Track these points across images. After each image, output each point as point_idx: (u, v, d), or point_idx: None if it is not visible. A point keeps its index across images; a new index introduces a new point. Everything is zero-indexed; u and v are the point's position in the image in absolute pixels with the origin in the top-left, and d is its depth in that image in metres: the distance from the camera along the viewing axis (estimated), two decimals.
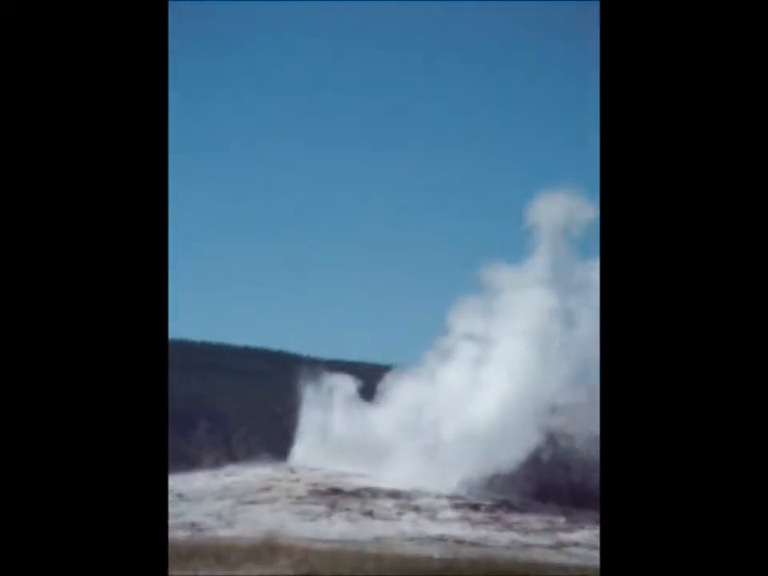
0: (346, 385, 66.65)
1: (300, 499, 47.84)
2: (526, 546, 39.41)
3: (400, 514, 46.83)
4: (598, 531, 45.00)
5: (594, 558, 36.14)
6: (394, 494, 50.92)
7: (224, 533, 31.49)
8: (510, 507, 49.73)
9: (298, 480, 52.98)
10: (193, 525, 37.17)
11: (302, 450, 61.34)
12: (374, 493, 50.57)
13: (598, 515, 50.38)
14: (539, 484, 55.45)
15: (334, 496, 48.86)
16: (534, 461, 55.23)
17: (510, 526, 45.34)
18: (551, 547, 39.86)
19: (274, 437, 63.32)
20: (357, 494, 49.88)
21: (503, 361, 59.25)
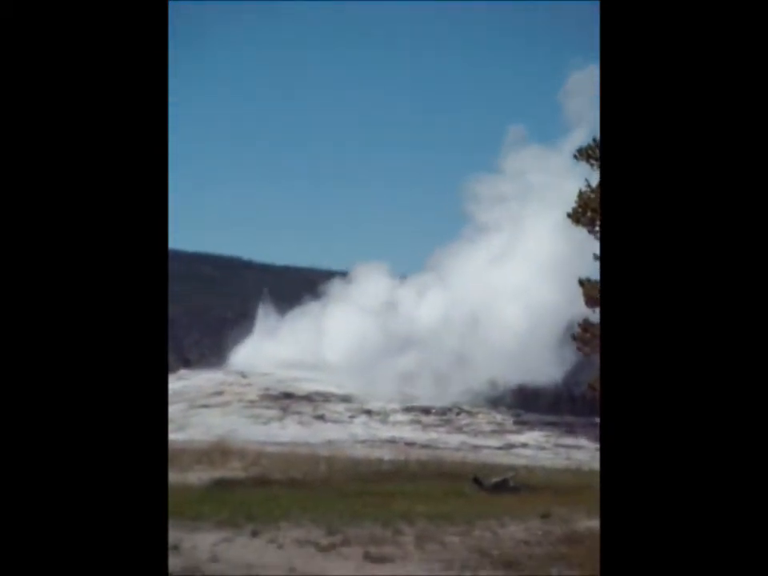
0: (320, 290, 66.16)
1: (252, 403, 48.16)
2: (476, 447, 40.09)
3: (352, 417, 47.38)
4: (545, 432, 45.96)
5: (541, 458, 36.89)
6: (346, 398, 51.43)
7: (176, 436, 31.65)
8: (460, 410, 50.49)
9: (249, 384, 53.23)
10: None
11: (251, 355, 61.29)
12: (326, 397, 51.02)
13: (548, 418, 51.33)
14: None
15: (286, 400, 49.27)
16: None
17: (459, 429, 46.12)
18: (500, 448, 40.60)
19: (225, 342, 63.31)
20: (309, 398, 50.31)
21: (526, 260, 55.07)
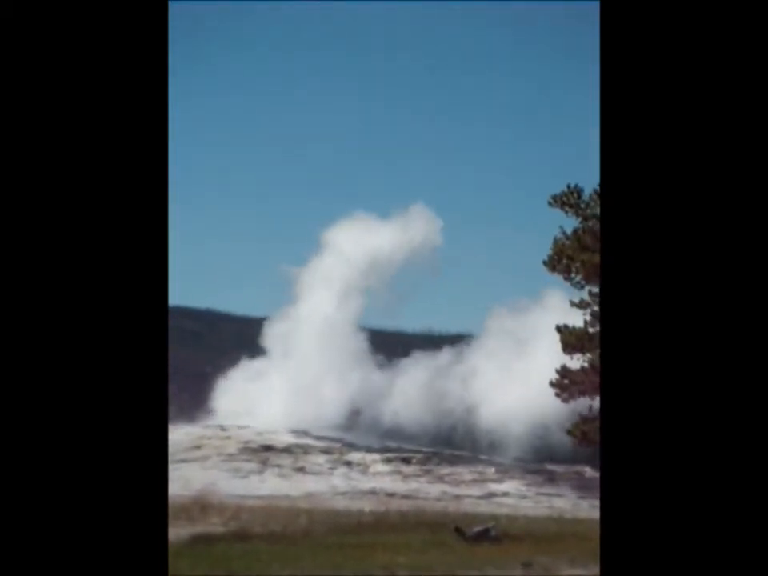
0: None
1: (231, 456, 47.82)
2: (457, 497, 39.83)
3: (332, 469, 47.12)
4: (526, 481, 45.78)
5: (523, 507, 36.70)
6: (326, 450, 51.18)
7: None
8: (441, 459, 50.29)
9: (228, 438, 52.89)
10: None
11: (231, 409, 60.76)
12: (306, 449, 50.75)
13: (528, 466, 51.27)
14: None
15: (265, 453, 48.96)
16: None
17: (440, 478, 45.86)
18: (481, 498, 40.37)
19: (204, 395, 62.85)
20: (288, 450, 50.03)
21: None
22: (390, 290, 68.86)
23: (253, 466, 45.89)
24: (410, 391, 58.75)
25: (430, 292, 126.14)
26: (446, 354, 61.96)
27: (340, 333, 62.91)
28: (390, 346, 65.94)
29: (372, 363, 62.52)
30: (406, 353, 63.36)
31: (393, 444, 53.63)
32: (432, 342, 67.87)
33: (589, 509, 34.21)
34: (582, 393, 17.84)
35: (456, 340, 64.57)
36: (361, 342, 63.38)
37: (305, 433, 54.42)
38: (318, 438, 53.55)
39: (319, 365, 60.21)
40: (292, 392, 59.50)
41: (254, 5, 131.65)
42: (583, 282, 18.34)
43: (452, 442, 55.50)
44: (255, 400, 60.35)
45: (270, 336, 64.19)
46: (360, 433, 56.27)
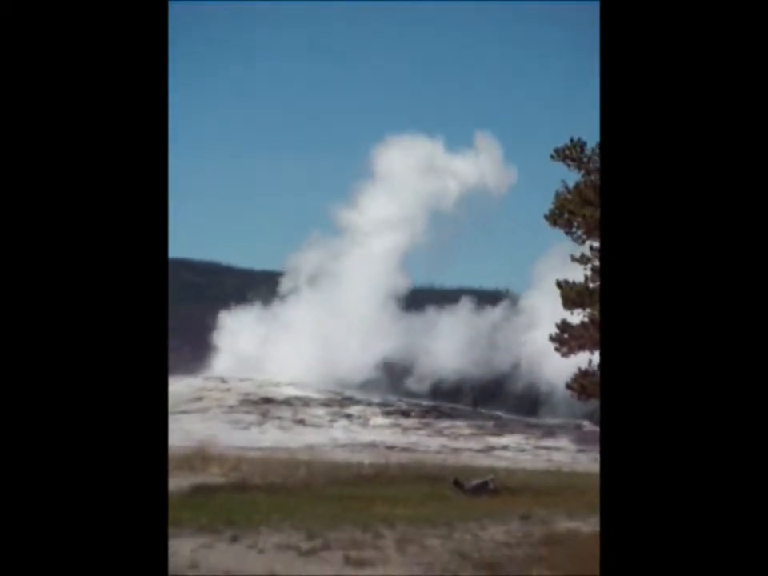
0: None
1: (231, 408, 48.12)
2: (456, 450, 40.08)
3: (332, 421, 47.39)
4: (525, 434, 46.03)
5: (521, 460, 36.94)
6: (326, 403, 51.43)
7: None
8: (440, 413, 50.58)
9: (229, 390, 53.17)
10: None
11: (230, 361, 60.54)
12: (306, 401, 51.01)
13: (527, 420, 51.52)
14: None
15: (265, 405, 49.24)
16: None
17: (440, 432, 46.14)
18: (480, 451, 40.62)
19: (205, 348, 63.01)
20: (288, 402, 50.30)
21: None
22: (443, 236, 65.60)
23: (253, 417, 46.18)
24: (449, 348, 56.66)
25: (483, 240, 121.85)
26: (495, 310, 60.11)
27: (376, 281, 59.31)
28: (432, 298, 63.73)
29: (410, 316, 59.97)
30: (446, 306, 61.26)
31: (426, 402, 53.27)
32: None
33: (587, 462, 34.46)
34: (582, 347, 17.84)
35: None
36: (402, 293, 60.69)
37: (305, 386, 54.55)
38: (319, 390, 53.73)
39: (344, 316, 57.74)
40: (314, 344, 57.08)
41: (254, 5, 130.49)
42: (584, 237, 18.25)
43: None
44: (267, 351, 59.04)
45: (290, 285, 62.37)
46: (392, 388, 55.38)
